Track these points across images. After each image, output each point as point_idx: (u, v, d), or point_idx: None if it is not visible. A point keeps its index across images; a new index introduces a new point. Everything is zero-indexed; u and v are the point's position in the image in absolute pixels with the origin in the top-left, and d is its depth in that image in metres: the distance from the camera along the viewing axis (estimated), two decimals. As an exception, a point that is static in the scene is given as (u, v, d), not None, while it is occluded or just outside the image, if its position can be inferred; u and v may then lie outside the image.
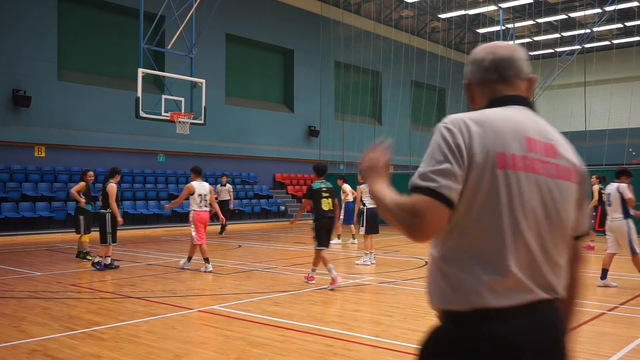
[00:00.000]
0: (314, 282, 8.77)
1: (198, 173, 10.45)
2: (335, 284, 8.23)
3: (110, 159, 21.24)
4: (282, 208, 24.75)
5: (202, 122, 17.01)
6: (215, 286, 8.73)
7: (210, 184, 11.33)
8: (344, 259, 12.29)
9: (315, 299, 7.63)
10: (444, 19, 34.33)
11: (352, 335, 5.74)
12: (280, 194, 26.42)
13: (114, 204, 10.26)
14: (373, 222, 11.15)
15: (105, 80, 21.29)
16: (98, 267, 10.16)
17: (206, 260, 10.07)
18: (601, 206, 13.95)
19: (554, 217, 1.63)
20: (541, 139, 1.67)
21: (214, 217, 17.39)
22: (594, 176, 14.60)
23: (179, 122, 16.33)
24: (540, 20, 32.96)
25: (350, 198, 14.99)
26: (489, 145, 1.59)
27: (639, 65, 34.00)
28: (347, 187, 15.12)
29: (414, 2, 29.75)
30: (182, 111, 16.57)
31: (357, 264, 11.05)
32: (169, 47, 17.46)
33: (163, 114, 16.09)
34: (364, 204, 11.23)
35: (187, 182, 22.52)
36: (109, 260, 10.43)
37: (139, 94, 15.26)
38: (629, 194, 8.47)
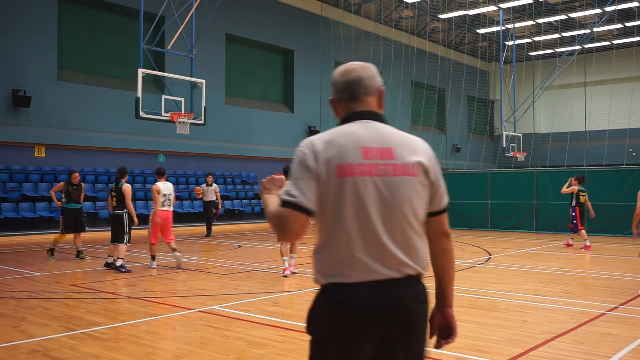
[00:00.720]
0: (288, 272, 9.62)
1: (161, 174, 10.74)
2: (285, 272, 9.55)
3: (110, 159, 21.24)
4: (282, 208, 24.71)
5: (202, 122, 17.01)
6: (215, 286, 8.73)
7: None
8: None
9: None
10: (444, 19, 34.32)
11: (352, 335, 5.73)
12: (280, 194, 26.39)
13: (131, 204, 10.34)
14: None
15: (105, 81, 21.29)
16: (124, 270, 10.04)
17: (153, 257, 10.62)
18: (579, 207, 14.13)
19: (395, 208, 2.04)
20: (378, 145, 2.07)
21: (209, 217, 17.38)
22: (573, 177, 14.75)
23: (179, 122, 16.32)
24: (540, 21, 32.95)
25: None
26: (331, 159, 2.02)
27: (639, 66, 34.00)
28: None
29: (414, 2, 29.75)
30: (182, 111, 16.57)
31: None
32: (169, 47, 17.46)
33: (163, 114, 16.08)
34: None
35: (188, 182, 22.62)
36: (111, 260, 10.40)
37: (139, 94, 15.25)
38: None
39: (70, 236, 12.06)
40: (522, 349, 5.23)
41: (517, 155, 29.01)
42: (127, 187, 10.35)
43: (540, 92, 31.56)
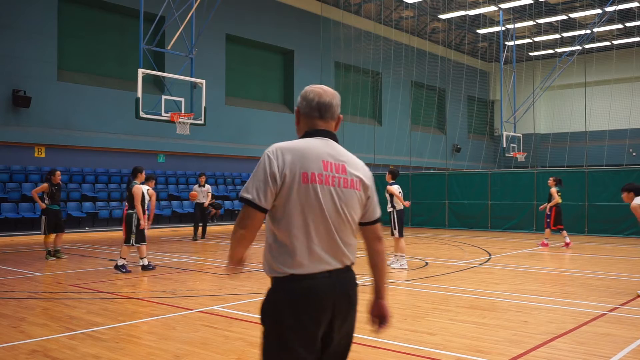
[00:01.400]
0: None
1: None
2: None
3: (110, 159, 21.25)
4: (282, 208, 24.72)
5: (202, 122, 17.00)
6: (215, 287, 8.73)
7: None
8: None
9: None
10: (444, 20, 34.32)
11: (352, 336, 5.73)
12: (280, 195, 26.39)
13: (139, 207, 10.08)
14: (402, 224, 10.89)
15: (105, 81, 21.29)
16: (124, 271, 10.00)
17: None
18: (555, 207, 14.39)
19: (342, 213, 2.43)
20: (334, 161, 2.45)
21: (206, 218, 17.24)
22: (551, 178, 14.91)
23: (179, 122, 16.31)
24: (540, 21, 32.95)
25: None
26: (296, 167, 2.36)
27: (639, 66, 33.98)
28: None
29: (414, 2, 29.74)
30: (182, 111, 16.56)
31: (394, 268, 10.62)
32: (169, 47, 17.45)
33: (163, 114, 16.08)
34: (393, 207, 10.86)
35: (187, 182, 22.60)
36: (146, 262, 10.32)
37: (139, 94, 15.25)
38: None
39: (52, 236, 12.04)
40: (522, 350, 5.22)
41: (517, 156, 29.01)
42: (136, 189, 10.12)
43: (541, 92, 31.56)
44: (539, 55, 39.57)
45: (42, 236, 12.08)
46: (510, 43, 31.70)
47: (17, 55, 18.62)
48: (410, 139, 31.63)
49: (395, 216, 10.84)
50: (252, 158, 25.84)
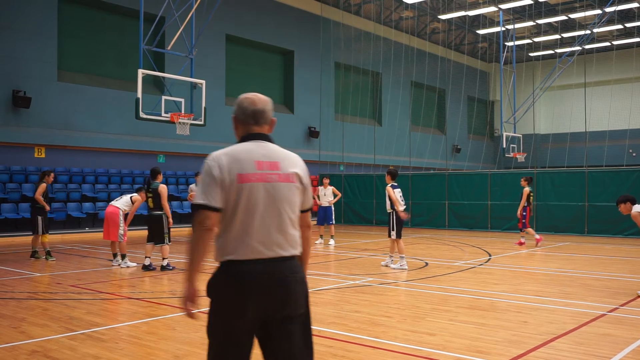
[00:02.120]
0: None
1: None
2: None
3: (110, 159, 21.25)
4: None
5: (202, 122, 17.00)
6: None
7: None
8: (345, 260, 12.29)
9: (315, 299, 7.62)
10: (444, 20, 34.33)
11: (352, 336, 5.74)
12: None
13: (167, 204, 10.42)
14: (401, 225, 10.89)
15: (105, 81, 21.29)
16: (171, 268, 10.38)
17: (116, 255, 11.13)
18: (529, 206, 14.85)
19: (278, 206, 2.74)
20: (267, 159, 2.78)
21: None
22: (522, 178, 15.22)
23: (179, 123, 16.31)
24: (540, 21, 32.96)
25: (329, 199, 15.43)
26: (233, 169, 2.70)
27: (639, 67, 33.98)
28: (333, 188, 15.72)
29: (414, 3, 29.75)
30: (182, 112, 16.55)
31: (394, 268, 10.65)
32: (169, 47, 17.45)
33: (163, 114, 16.07)
34: (393, 208, 10.85)
35: (187, 183, 22.60)
36: (147, 262, 10.46)
37: (139, 94, 15.24)
38: None
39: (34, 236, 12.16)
40: (522, 350, 5.23)
41: (517, 156, 29.02)
42: (163, 188, 10.46)
43: (540, 92, 31.55)
44: (538, 56, 39.58)
45: (36, 237, 12.08)
46: (510, 43, 31.71)
47: (17, 55, 18.62)
48: (410, 139, 31.64)
49: (395, 217, 10.81)
50: (252, 158, 25.83)
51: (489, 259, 12.32)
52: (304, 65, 28.45)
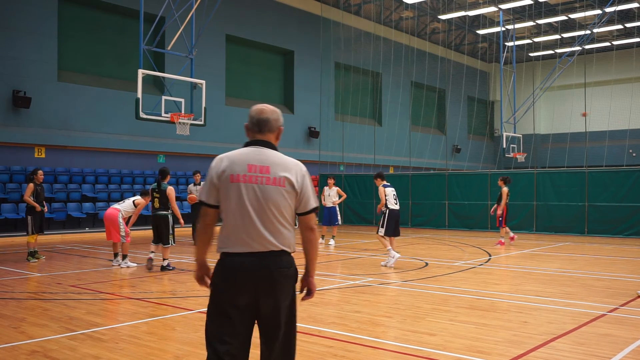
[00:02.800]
0: None
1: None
2: None
3: (110, 160, 21.24)
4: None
5: (202, 123, 17.00)
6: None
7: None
8: (345, 260, 12.29)
9: (315, 299, 7.62)
10: (444, 20, 34.33)
11: (352, 336, 5.73)
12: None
13: (175, 206, 10.61)
14: (394, 225, 11.07)
15: (105, 81, 21.29)
16: (171, 268, 10.42)
17: (117, 255, 11.19)
18: (507, 206, 15.27)
19: (265, 206, 3.02)
20: (259, 164, 3.07)
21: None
22: (500, 179, 15.53)
23: (179, 123, 16.31)
24: (540, 22, 32.96)
25: (333, 199, 15.40)
26: (226, 170, 3.05)
27: (639, 67, 33.99)
28: (337, 189, 15.66)
29: (414, 3, 29.75)
30: (182, 112, 16.55)
31: (383, 265, 10.95)
32: (169, 48, 17.45)
33: (163, 115, 16.07)
34: (386, 206, 11.07)
35: (187, 183, 22.59)
36: (166, 262, 10.50)
37: (139, 94, 15.24)
38: None
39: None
40: (522, 350, 5.23)
41: (517, 156, 29.01)
42: (171, 189, 10.63)
43: (540, 93, 31.55)
44: (538, 56, 39.57)
45: (43, 236, 12.11)
46: (510, 43, 31.70)
47: (17, 55, 18.62)
48: (410, 139, 31.63)
49: (386, 215, 11.05)
50: (252, 158, 25.82)
51: (489, 259, 12.32)
52: (304, 65, 28.45)
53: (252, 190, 3.02)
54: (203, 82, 16.82)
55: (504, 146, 27.59)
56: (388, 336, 5.79)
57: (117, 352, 5.19)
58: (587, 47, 32.01)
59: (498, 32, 33.13)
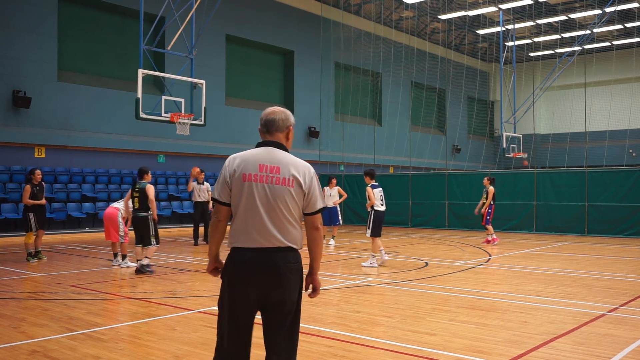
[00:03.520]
0: None
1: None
2: None
3: (111, 160, 21.24)
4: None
5: (202, 123, 16.99)
6: (215, 287, 8.72)
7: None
8: (345, 260, 12.29)
9: (315, 299, 7.61)
10: (444, 20, 34.33)
11: (352, 336, 5.73)
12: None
13: (153, 205, 10.18)
14: (379, 225, 11.12)
15: (105, 81, 21.28)
16: (150, 271, 10.00)
17: (117, 255, 11.18)
18: (493, 205, 15.71)
19: (273, 204, 3.16)
20: (269, 164, 3.21)
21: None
22: (485, 178, 15.82)
23: (179, 123, 16.30)
24: (540, 22, 32.95)
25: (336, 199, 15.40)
26: (239, 169, 3.20)
27: (639, 67, 33.98)
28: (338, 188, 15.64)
29: (414, 3, 29.74)
30: (182, 112, 16.55)
31: (364, 265, 11.01)
32: (169, 48, 17.45)
33: (163, 114, 16.06)
34: (372, 207, 11.07)
35: (187, 183, 22.59)
36: (146, 261, 10.11)
37: (139, 94, 15.24)
38: None
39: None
40: (522, 350, 5.22)
41: (518, 156, 29.01)
42: (150, 188, 10.28)
43: (540, 92, 31.55)
44: (538, 56, 39.57)
45: (46, 235, 11.99)
46: (510, 43, 31.70)
47: (17, 55, 18.62)
48: (410, 139, 31.63)
49: (372, 216, 11.07)
50: (252, 158, 25.79)
51: (489, 259, 12.31)
52: (304, 65, 28.45)
53: (263, 189, 3.16)
54: (203, 82, 16.82)
55: (504, 146, 27.59)
56: (388, 336, 5.79)
57: (117, 352, 5.19)
58: (587, 47, 32.00)
59: (498, 32, 33.12)
